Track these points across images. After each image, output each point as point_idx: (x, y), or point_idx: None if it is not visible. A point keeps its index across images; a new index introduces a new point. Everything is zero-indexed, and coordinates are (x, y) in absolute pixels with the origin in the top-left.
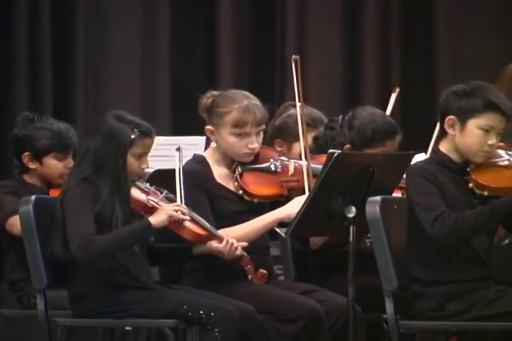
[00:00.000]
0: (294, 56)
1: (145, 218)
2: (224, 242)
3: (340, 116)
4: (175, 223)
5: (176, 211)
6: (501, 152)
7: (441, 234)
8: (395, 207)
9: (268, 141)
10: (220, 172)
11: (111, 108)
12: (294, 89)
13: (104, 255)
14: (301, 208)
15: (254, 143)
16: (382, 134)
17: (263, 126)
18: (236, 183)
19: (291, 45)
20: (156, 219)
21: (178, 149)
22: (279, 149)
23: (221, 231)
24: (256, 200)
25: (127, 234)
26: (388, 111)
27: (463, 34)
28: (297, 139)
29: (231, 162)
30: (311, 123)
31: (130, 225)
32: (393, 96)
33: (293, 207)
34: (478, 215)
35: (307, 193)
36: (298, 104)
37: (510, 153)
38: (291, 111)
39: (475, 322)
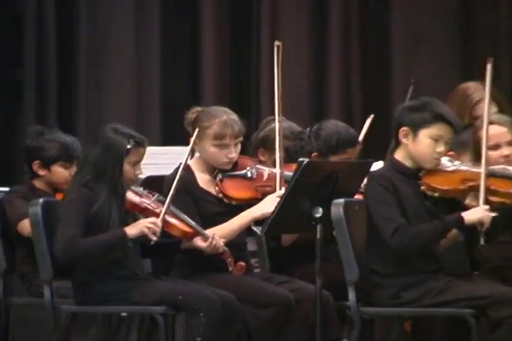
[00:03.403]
0: (277, 42)
1: (122, 229)
2: (210, 239)
3: (308, 128)
4: (164, 223)
5: (149, 227)
6: (445, 160)
7: (399, 245)
8: (357, 208)
9: (252, 151)
10: (203, 179)
11: (109, 122)
12: (274, 76)
13: (82, 258)
14: (274, 210)
15: (233, 154)
16: (345, 143)
17: (240, 138)
18: (217, 188)
19: (266, 70)
20: (130, 231)
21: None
22: (262, 158)
23: (207, 231)
24: (234, 203)
25: (104, 242)
26: (361, 136)
27: (416, 57)
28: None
29: (213, 169)
30: (290, 136)
31: (109, 233)
32: (368, 122)
33: (265, 206)
34: (435, 230)
35: (277, 196)
36: (276, 94)
37: (454, 161)
38: (273, 125)
39: (427, 309)
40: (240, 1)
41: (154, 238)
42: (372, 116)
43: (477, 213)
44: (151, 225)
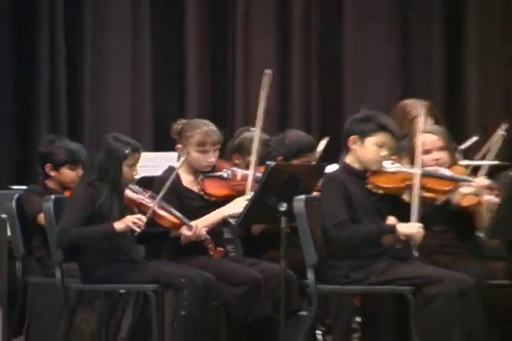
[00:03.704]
0: (267, 71)
1: (111, 223)
2: (194, 228)
3: (274, 137)
4: (155, 215)
5: (135, 223)
6: (387, 163)
7: (336, 239)
8: (315, 203)
9: (228, 155)
10: (186, 179)
11: (110, 131)
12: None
13: (74, 243)
14: (247, 204)
15: (212, 158)
16: (304, 149)
17: (219, 145)
18: (198, 186)
19: (240, 89)
20: (118, 226)
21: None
22: (236, 161)
23: (191, 222)
24: (213, 199)
25: (93, 233)
26: (317, 155)
27: (365, 79)
28: (249, 154)
29: (195, 171)
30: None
31: (100, 225)
32: (323, 143)
33: (234, 206)
34: (368, 234)
35: (247, 194)
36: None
37: (396, 164)
38: (246, 134)
39: (372, 287)
40: (218, 31)
41: (138, 230)
42: (327, 138)
43: (411, 229)
44: (136, 220)
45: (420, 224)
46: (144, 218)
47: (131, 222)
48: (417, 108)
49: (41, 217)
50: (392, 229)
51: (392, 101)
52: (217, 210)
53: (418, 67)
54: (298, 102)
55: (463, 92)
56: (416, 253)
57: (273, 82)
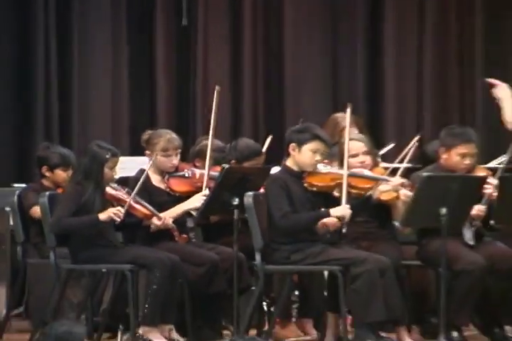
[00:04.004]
0: (217, 87)
1: (96, 215)
2: (162, 219)
3: (228, 144)
4: (131, 207)
5: (115, 213)
6: (321, 166)
7: (284, 227)
8: (261, 198)
9: (191, 159)
10: (155, 178)
11: (94, 139)
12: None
13: (66, 231)
14: (207, 199)
15: (174, 161)
16: (253, 154)
17: (179, 150)
18: (165, 184)
19: (200, 106)
20: (101, 216)
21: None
22: (197, 164)
23: (160, 214)
24: (177, 194)
25: (82, 222)
26: (264, 149)
27: (302, 89)
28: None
29: (161, 172)
30: (216, 149)
31: (87, 216)
32: (267, 141)
33: (193, 202)
34: (309, 219)
35: (205, 190)
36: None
37: (327, 166)
38: (204, 142)
39: (308, 266)
40: (183, 59)
41: (118, 220)
42: (271, 136)
43: (341, 210)
44: (116, 211)
45: (348, 206)
46: (122, 210)
47: (113, 213)
48: (345, 120)
49: (33, 210)
50: (327, 213)
51: (325, 112)
52: (180, 204)
53: (344, 78)
54: (248, 113)
55: (381, 104)
56: (344, 230)
57: (227, 96)
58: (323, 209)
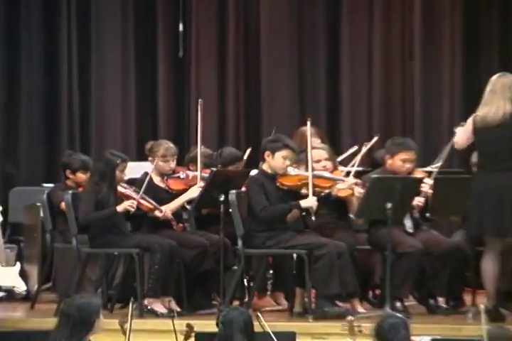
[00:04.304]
0: (200, 100)
1: (114, 207)
2: (163, 211)
3: (215, 152)
4: (138, 203)
5: (130, 205)
6: (290, 169)
7: (263, 217)
8: (242, 195)
9: (186, 164)
10: (156, 179)
11: (107, 148)
12: (197, 127)
13: (93, 223)
14: (198, 196)
15: (172, 165)
16: (235, 159)
17: (175, 156)
18: (164, 184)
19: (193, 120)
20: (119, 208)
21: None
22: (191, 168)
23: (161, 207)
24: (174, 192)
25: (106, 214)
26: (244, 162)
27: (275, 110)
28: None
29: (161, 174)
30: (206, 156)
31: (108, 209)
32: (247, 152)
33: (191, 192)
34: (283, 210)
35: (198, 186)
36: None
37: (296, 169)
38: (197, 150)
39: (280, 250)
40: (180, 85)
41: (132, 210)
42: (250, 149)
43: (309, 202)
44: (131, 204)
45: (315, 198)
46: (135, 202)
47: (128, 205)
48: (311, 132)
49: (62, 205)
50: (297, 204)
51: (293, 124)
52: (181, 196)
53: (310, 101)
54: (231, 126)
55: (339, 117)
56: (313, 218)
57: (214, 113)
58: (295, 203)
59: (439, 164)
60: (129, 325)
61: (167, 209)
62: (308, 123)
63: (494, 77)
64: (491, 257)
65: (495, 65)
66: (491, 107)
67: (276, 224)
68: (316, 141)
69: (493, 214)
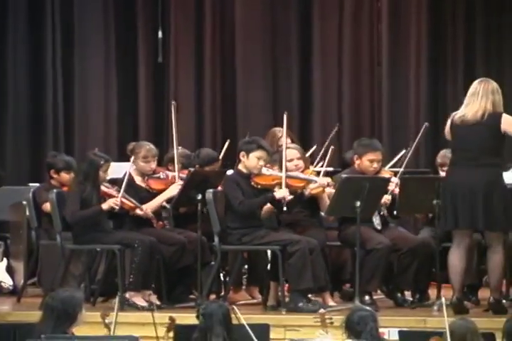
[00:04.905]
0: (173, 102)
1: (99, 205)
2: (144, 210)
3: (193, 153)
4: (120, 201)
5: (114, 203)
6: (264, 169)
7: (241, 211)
8: (219, 194)
9: (165, 164)
10: (137, 179)
11: (89, 149)
12: (172, 128)
13: (80, 221)
14: (176, 195)
15: (152, 165)
16: (213, 160)
17: (156, 157)
18: (145, 184)
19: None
20: (103, 206)
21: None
22: (170, 168)
23: (142, 206)
24: (155, 191)
25: (92, 213)
26: (223, 151)
27: (250, 112)
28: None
29: (142, 174)
30: (184, 156)
31: (94, 207)
32: (225, 145)
33: (171, 190)
34: (259, 203)
35: (177, 184)
36: (175, 141)
37: (269, 169)
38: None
39: (255, 246)
40: (159, 88)
41: (117, 207)
42: (228, 141)
43: (282, 192)
44: (114, 202)
45: (286, 190)
46: (118, 201)
47: (112, 202)
48: (280, 132)
49: (45, 206)
50: (271, 195)
51: (267, 126)
52: (161, 194)
53: (284, 101)
54: (208, 128)
55: (311, 116)
56: (285, 208)
57: (192, 116)
58: (269, 195)
59: (404, 157)
60: (115, 318)
61: (148, 208)
62: (285, 116)
63: (476, 82)
64: (457, 252)
65: (460, 70)
66: (472, 107)
67: (251, 222)
68: (288, 141)
69: (466, 207)
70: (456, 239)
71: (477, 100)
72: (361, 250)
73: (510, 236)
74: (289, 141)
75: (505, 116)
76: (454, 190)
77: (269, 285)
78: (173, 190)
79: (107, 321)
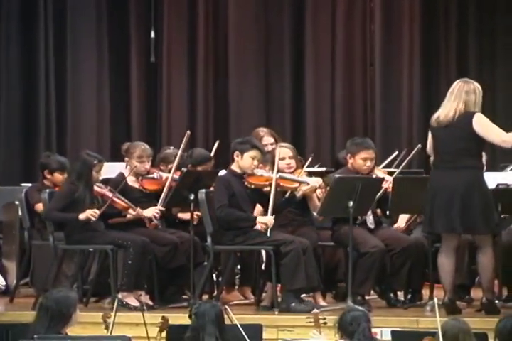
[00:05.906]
0: (188, 132)
1: (77, 214)
2: (136, 210)
3: (186, 153)
4: (113, 202)
5: (92, 214)
6: (257, 169)
7: (218, 216)
8: (211, 195)
9: (157, 164)
10: (131, 180)
11: (82, 149)
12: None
13: (52, 220)
14: (169, 195)
15: (147, 166)
16: (205, 160)
17: (150, 158)
18: (139, 184)
19: (165, 122)
20: (80, 216)
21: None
22: (162, 168)
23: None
24: (148, 192)
25: (66, 218)
26: (213, 152)
27: (243, 115)
28: (170, 163)
29: (136, 174)
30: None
31: (71, 214)
32: (215, 145)
33: (148, 212)
34: (239, 218)
35: (159, 205)
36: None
37: (262, 170)
38: (167, 151)
39: (247, 246)
40: (152, 88)
41: (94, 219)
42: (217, 141)
43: (266, 219)
44: (93, 213)
45: (272, 217)
46: (98, 212)
47: (90, 214)
48: (263, 132)
49: (37, 207)
50: (254, 220)
51: (258, 124)
52: (142, 211)
53: (276, 109)
54: (200, 128)
55: (304, 117)
56: (268, 234)
57: (184, 116)
58: (252, 215)
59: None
60: (113, 319)
61: (140, 209)
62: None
63: (455, 82)
64: (446, 253)
65: (452, 70)
66: (445, 108)
67: (242, 223)
68: (270, 140)
69: (442, 211)
70: (443, 240)
71: (450, 101)
72: (354, 252)
73: (502, 237)
74: (271, 140)
75: (477, 116)
76: (433, 193)
77: (263, 286)
78: (151, 211)
79: (107, 322)
